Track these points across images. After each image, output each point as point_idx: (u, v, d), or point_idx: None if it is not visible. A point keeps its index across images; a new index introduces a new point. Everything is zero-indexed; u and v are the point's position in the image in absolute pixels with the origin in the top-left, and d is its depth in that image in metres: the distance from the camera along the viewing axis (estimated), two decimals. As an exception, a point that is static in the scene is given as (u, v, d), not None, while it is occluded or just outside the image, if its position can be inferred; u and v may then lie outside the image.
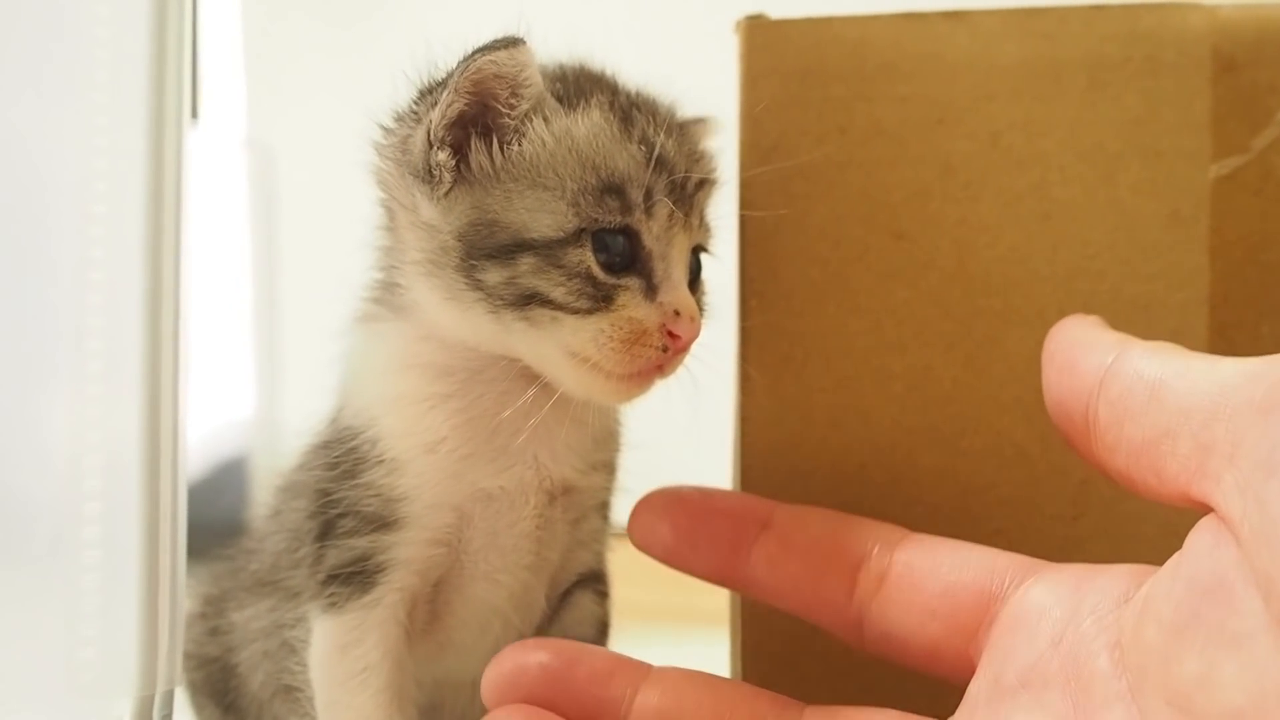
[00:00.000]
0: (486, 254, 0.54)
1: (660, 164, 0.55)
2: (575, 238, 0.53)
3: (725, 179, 0.61)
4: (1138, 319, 0.60)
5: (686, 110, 0.61)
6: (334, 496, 0.59)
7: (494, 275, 0.54)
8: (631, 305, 0.54)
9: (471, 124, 0.55)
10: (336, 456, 0.59)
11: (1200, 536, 0.40)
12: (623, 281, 0.54)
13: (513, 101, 0.54)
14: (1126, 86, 0.61)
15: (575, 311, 0.53)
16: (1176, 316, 0.60)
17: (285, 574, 0.64)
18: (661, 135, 0.55)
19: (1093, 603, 0.45)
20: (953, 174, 0.62)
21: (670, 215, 0.55)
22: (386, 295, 0.60)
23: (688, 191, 0.56)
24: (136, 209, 0.59)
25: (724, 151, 0.63)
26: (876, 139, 0.63)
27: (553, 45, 0.58)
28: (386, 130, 0.59)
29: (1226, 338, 0.60)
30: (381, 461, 0.58)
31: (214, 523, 0.74)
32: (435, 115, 0.54)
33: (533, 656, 0.52)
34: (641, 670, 0.52)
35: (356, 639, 0.57)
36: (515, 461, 0.58)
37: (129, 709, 0.60)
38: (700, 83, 0.60)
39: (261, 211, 1.40)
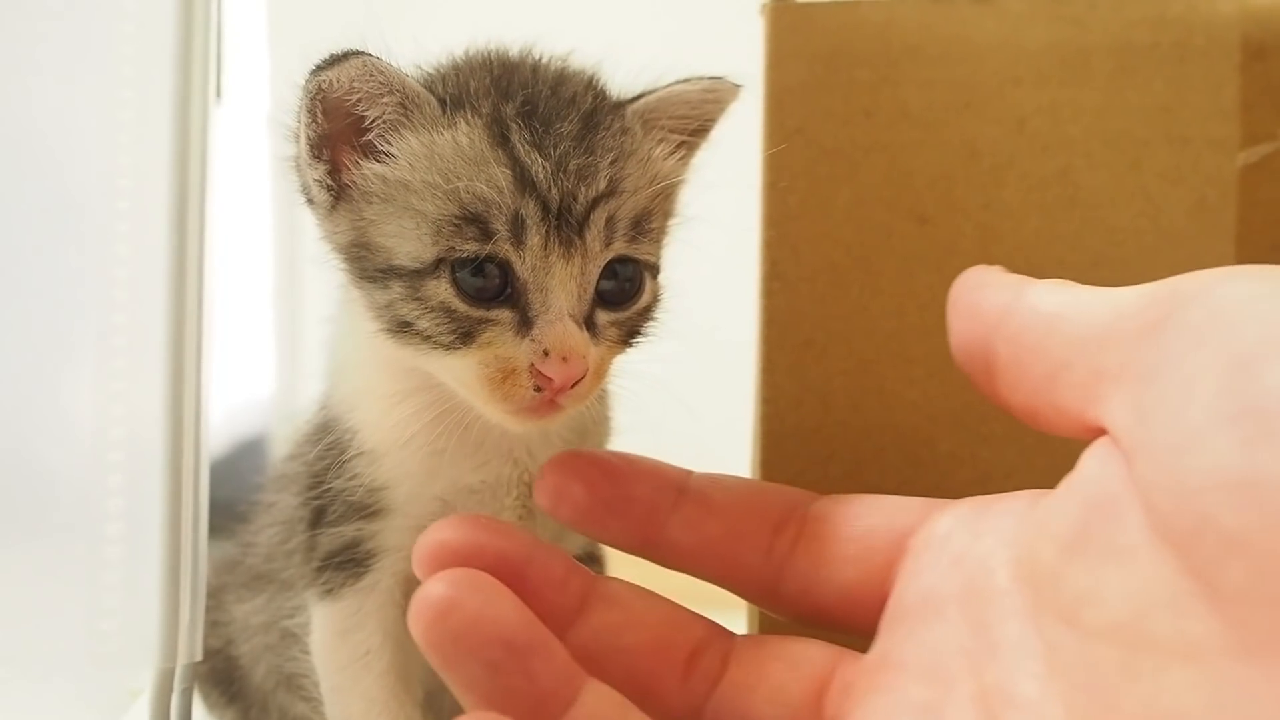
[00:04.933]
0: (367, 276, 0.52)
1: (530, 187, 0.49)
2: (434, 268, 0.50)
3: (672, 176, 0.56)
4: (1162, 307, 0.60)
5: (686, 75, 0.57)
6: (324, 484, 0.58)
7: (378, 297, 0.52)
8: (499, 341, 0.50)
9: (346, 139, 0.52)
10: (325, 445, 0.59)
11: (1092, 454, 0.40)
12: (491, 314, 0.50)
13: (380, 117, 0.51)
14: (1154, 73, 0.61)
15: (440, 346, 0.50)
16: (1201, 305, 0.60)
17: (280, 565, 0.65)
18: (539, 153, 0.50)
19: (991, 524, 0.45)
20: (978, 158, 0.62)
21: (545, 243, 0.50)
22: None
23: (574, 214, 0.50)
24: (162, 185, 0.59)
25: (747, 131, 0.63)
26: (902, 122, 0.63)
27: (576, 27, 0.58)
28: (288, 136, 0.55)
29: (1252, 327, 0.60)
30: (362, 453, 0.57)
31: (233, 501, 0.74)
32: (302, 134, 0.52)
33: (490, 539, 0.46)
34: (589, 579, 0.49)
35: (356, 624, 0.57)
36: (492, 457, 0.57)
37: (150, 680, 0.60)
38: (725, 65, 0.60)
39: (284, 189, 1.40)
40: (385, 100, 0.51)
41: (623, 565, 0.63)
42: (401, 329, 0.51)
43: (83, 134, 0.61)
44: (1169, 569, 0.34)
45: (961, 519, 0.47)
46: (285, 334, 1.48)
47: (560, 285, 0.50)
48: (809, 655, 0.48)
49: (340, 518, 0.58)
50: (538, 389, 0.50)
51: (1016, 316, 0.44)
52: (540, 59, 0.57)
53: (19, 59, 0.60)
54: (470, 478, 0.57)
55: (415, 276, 0.50)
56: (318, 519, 0.59)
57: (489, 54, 0.57)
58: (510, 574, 0.45)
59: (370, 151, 0.52)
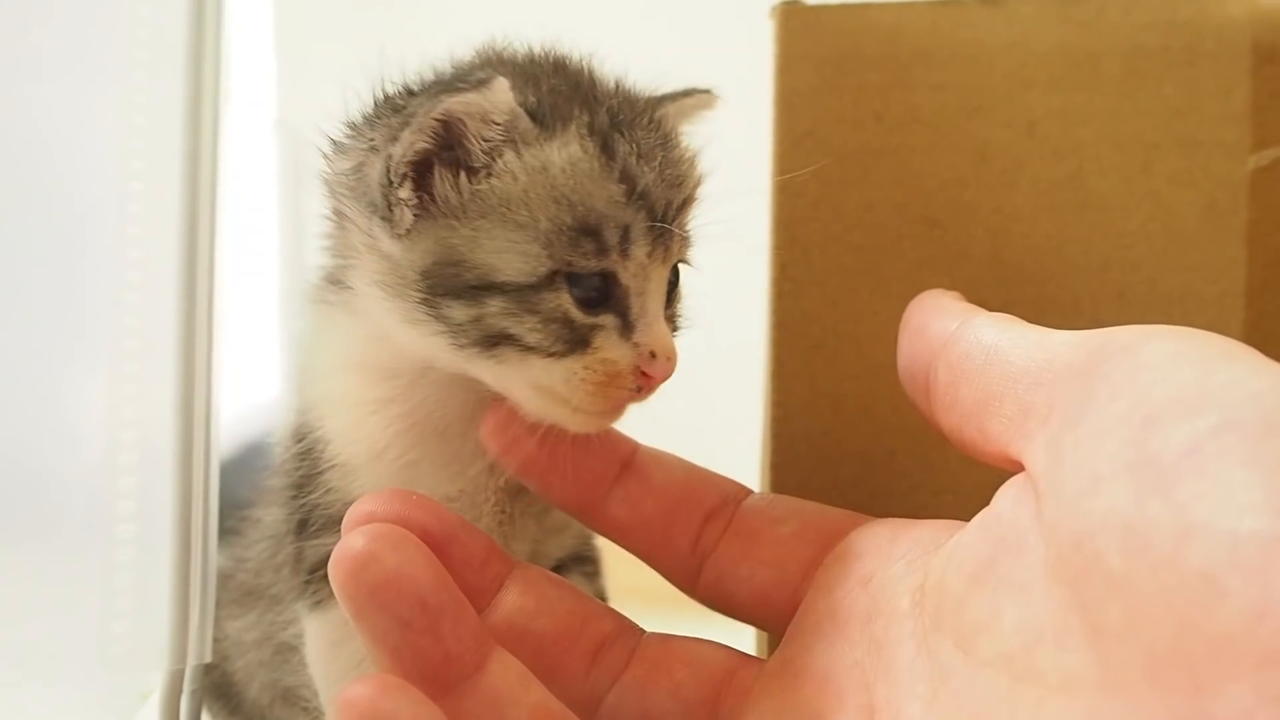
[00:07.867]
0: (451, 293, 0.51)
1: (641, 199, 0.50)
2: (549, 281, 0.50)
3: (705, 178, 0.57)
4: (1174, 311, 0.60)
5: (681, 85, 0.59)
6: (303, 495, 0.58)
7: (460, 314, 0.51)
8: (607, 346, 0.51)
9: (436, 155, 0.50)
10: (299, 455, 0.58)
11: (1007, 491, 0.42)
12: (599, 320, 0.51)
13: (485, 136, 0.50)
14: (1165, 76, 0.61)
15: (549, 354, 0.50)
16: (1213, 308, 0.60)
17: (269, 580, 0.65)
18: (643, 164, 0.51)
19: (905, 549, 0.47)
20: (988, 162, 0.62)
21: (649, 253, 0.51)
22: (336, 286, 0.57)
23: (668, 220, 0.52)
24: (174, 188, 0.60)
25: (757, 134, 0.63)
26: (912, 126, 0.63)
27: (582, 29, 0.58)
28: (337, 145, 0.55)
29: (1263, 330, 0.60)
30: (334, 465, 0.57)
31: (239, 504, 0.74)
32: (396, 151, 0.50)
33: (414, 514, 0.47)
34: (508, 563, 0.51)
35: (347, 634, 0.56)
36: (468, 465, 0.57)
37: (161, 682, 0.60)
38: (735, 68, 0.60)
39: (290, 193, 1.40)
40: (499, 126, 0.50)
41: (623, 568, 0.63)
42: (494, 341, 0.51)
43: (95, 138, 0.61)
44: (1058, 605, 0.36)
45: (876, 539, 0.49)
46: (289, 336, 1.48)
47: (656, 290, 0.53)
48: (711, 657, 0.50)
49: (322, 529, 0.57)
50: (638, 389, 0.52)
51: (960, 343, 0.46)
52: (584, 62, 0.57)
53: (33, 64, 0.60)
54: (448, 487, 0.57)
55: (526, 290, 0.50)
56: (301, 530, 0.59)
57: (535, 56, 0.56)
58: (431, 549, 0.46)
59: (471, 168, 0.50)
